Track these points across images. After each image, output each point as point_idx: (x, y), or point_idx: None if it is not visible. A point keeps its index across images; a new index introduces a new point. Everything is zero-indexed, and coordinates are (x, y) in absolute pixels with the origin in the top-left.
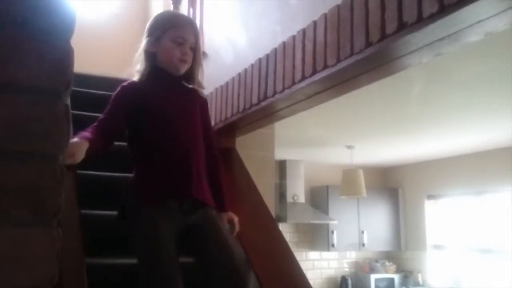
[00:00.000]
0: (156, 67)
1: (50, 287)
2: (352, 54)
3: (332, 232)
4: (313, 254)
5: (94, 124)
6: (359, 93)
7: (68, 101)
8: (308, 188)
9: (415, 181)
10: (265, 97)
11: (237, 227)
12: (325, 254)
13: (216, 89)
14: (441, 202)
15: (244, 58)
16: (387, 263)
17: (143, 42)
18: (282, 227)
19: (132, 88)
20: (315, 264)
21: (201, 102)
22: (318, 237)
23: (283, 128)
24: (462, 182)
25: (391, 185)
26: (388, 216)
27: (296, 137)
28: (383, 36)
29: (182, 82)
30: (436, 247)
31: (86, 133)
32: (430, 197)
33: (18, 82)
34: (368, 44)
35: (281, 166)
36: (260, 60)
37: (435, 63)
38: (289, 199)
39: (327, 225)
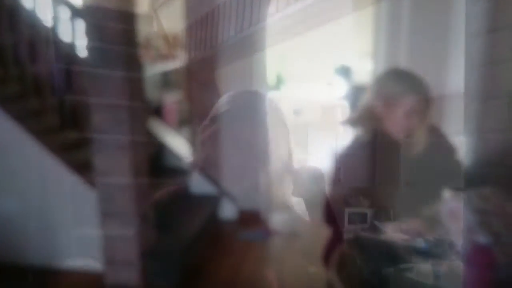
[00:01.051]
0: None
1: None
2: None
3: None
4: None
5: None
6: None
7: None
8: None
9: None
10: (241, 29)
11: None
12: None
13: (196, 20)
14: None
15: None
16: (361, 198)
17: None
18: None
19: None
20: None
21: None
22: None
23: (263, 63)
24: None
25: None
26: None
27: (277, 72)
28: None
29: None
30: (407, 184)
31: None
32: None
33: None
34: None
35: None
36: None
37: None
38: None
39: (306, 160)
